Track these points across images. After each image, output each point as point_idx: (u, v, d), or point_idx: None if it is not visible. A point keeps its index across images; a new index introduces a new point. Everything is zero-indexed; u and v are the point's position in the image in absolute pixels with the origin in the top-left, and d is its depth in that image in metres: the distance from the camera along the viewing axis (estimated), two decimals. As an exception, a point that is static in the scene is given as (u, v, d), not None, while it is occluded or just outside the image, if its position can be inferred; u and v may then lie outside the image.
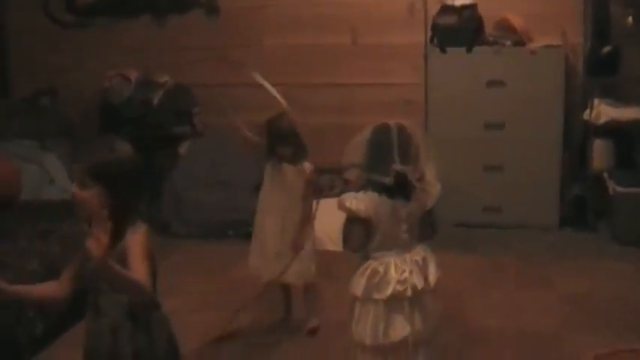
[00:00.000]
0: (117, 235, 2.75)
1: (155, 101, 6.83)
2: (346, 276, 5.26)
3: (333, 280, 5.20)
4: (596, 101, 6.08)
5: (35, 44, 7.31)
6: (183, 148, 6.79)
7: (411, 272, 3.38)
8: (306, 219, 4.52)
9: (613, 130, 6.09)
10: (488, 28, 6.36)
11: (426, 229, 3.63)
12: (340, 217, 5.74)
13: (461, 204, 6.38)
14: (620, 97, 6.14)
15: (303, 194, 4.51)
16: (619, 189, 5.86)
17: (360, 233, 3.44)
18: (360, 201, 3.47)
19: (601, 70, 6.09)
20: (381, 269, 3.38)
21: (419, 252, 3.47)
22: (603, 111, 6.01)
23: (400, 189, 3.38)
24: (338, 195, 5.99)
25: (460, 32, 6.26)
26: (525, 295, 5.00)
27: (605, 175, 6.07)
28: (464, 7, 6.28)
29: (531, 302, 4.89)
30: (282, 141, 4.46)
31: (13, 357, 4.02)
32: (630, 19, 5.94)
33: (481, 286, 5.17)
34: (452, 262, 5.58)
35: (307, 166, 4.51)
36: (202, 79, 6.97)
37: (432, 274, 3.47)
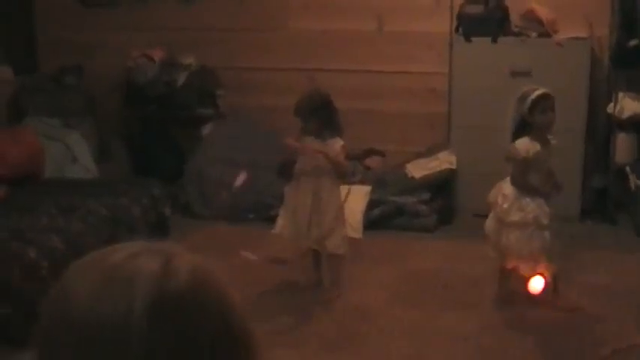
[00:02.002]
0: None
1: (179, 82, 6.85)
2: (367, 262, 5.32)
3: (354, 266, 5.22)
4: (620, 95, 6.06)
5: (62, 22, 7.33)
6: (206, 130, 6.82)
7: None
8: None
9: (637, 124, 6.07)
10: (514, 19, 6.34)
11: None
12: (360, 205, 5.81)
13: (482, 194, 6.36)
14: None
15: (335, 170, 4.69)
16: (641, 183, 5.86)
17: None
18: None
19: (627, 63, 6.06)
20: None
21: None
22: (627, 105, 5.99)
23: None
24: (357, 182, 6.07)
25: (486, 22, 6.24)
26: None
27: (628, 168, 6.06)
28: (490, -4, 6.27)
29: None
30: (305, 115, 4.61)
31: (33, 331, 4.05)
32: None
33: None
34: (471, 251, 5.60)
35: (332, 142, 4.63)
36: (227, 61, 6.99)
37: None
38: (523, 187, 4.48)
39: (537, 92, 4.35)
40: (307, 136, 4.64)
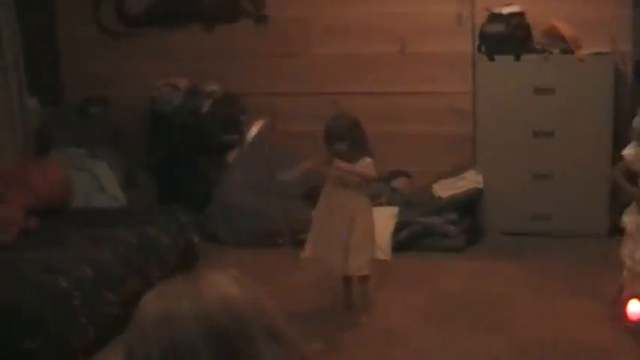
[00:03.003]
0: None
1: (204, 110, 6.89)
2: (395, 284, 5.32)
3: (383, 288, 5.22)
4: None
5: (86, 53, 7.39)
6: (232, 157, 6.84)
7: None
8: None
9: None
10: (536, 36, 6.33)
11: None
12: (388, 227, 5.78)
13: (509, 212, 6.37)
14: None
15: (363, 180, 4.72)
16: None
17: None
18: None
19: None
20: None
21: None
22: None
23: None
24: (384, 204, 6.07)
25: (508, 40, 6.24)
26: (576, 304, 4.94)
27: (655, 183, 6.02)
28: (512, 15, 6.25)
29: (582, 311, 4.84)
30: (335, 138, 4.60)
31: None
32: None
33: (530, 295, 5.15)
34: (500, 270, 5.60)
35: (361, 162, 4.64)
36: (251, 88, 7.02)
37: None
38: (614, 179, 4.82)
39: None
40: (338, 160, 4.63)
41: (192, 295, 1.49)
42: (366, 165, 4.64)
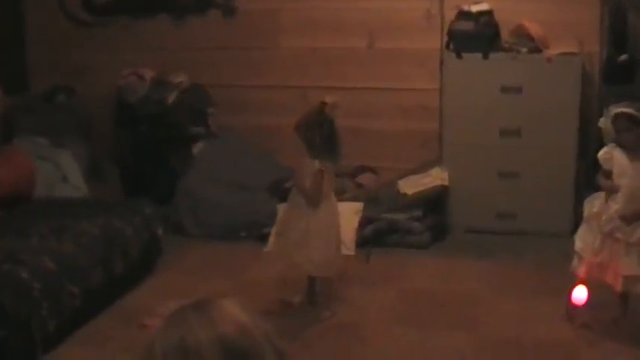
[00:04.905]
0: None
1: (170, 101, 6.84)
2: (359, 280, 5.31)
3: (347, 284, 5.20)
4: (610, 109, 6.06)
5: (53, 41, 7.33)
6: (197, 149, 6.80)
7: None
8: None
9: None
10: (505, 35, 6.35)
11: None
12: (352, 222, 5.76)
13: (475, 210, 6.38)
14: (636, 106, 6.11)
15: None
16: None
17: None
18: None
19: (617, 79, 6.06)
20: None
21: None
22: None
23: None
24: (349, 199, 6.06)
25: (476, 38, 6.24)
26: (540, 303, 4.95)
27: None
28: (480, 13, 6.26)
29: (546, 310, 4.84)
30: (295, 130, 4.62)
31: (27, 353, 4.03)
32: (648, 28, 5.92)
33: (495, 293, 5.15)
34: (465, 268, 5.61)
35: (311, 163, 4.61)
36: (218, 80, 6.99)
37: None
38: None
39: (613, 111, 4.55)
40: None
41: (207, 324, 1.56)
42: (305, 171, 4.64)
